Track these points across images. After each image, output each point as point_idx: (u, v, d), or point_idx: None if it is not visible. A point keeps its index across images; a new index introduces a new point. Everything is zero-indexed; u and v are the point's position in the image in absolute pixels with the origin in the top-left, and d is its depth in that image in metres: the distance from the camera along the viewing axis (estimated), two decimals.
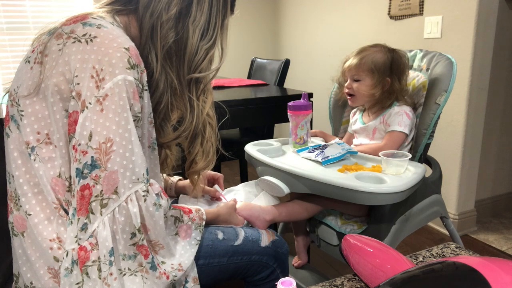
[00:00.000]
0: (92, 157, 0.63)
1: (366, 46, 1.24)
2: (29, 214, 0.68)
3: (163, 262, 0.72)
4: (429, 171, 1.26)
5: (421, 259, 0.70)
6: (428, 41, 2.03)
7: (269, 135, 2.08)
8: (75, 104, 0.64)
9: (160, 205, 0.69)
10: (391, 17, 2.26)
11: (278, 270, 0.91)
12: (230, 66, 3.37)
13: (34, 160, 0.68)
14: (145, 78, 0.69)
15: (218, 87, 1.91)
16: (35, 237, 0.68)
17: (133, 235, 0.66)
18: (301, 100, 1.23)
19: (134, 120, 0.66)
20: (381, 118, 1.24)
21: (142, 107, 0.68)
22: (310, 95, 1.50)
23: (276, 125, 2.19)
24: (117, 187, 0.64)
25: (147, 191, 0.67)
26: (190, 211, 0.81)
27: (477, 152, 2.00)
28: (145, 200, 0.67)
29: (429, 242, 1.98)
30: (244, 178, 2.21)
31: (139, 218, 0.66)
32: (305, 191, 1.03)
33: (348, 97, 1.27)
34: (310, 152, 1.16)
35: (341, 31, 2.72)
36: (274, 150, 1.21)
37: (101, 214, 0.64)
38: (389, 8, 2.25)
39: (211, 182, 1.14)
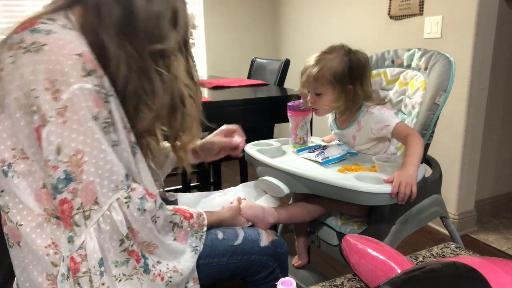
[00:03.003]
0: (64, 171, 0.61)
1: (321, 53, 1.14)
2: (20, 225, 0.67)
3: (158, 262, 0.72)
4: (429, 171, 1.26)
5: (421, 259, 0.70)
6: (428, 41, 2.03)
7: (269, 135, 2.08)
8: (38, 119, 0.62)
9: (144, 209, 0.68)
10: (391, 17, 2.25)
11: (277, 270, 0.91)
12: (230, 66, 3.37)
13: (12, 177, 0.66)
14: (106, 82, 0.66)
15: (218, 87, 1.91)
16: (30, 246, 0.67)
17: (122, 241, 0.66)
18: (301, 100, 1.22)
19: (105, 127, 0.64)
20: (356, 125, 1.17)
21: (111, 111, 0.66)
22: None
23: (276, 125, 2.19)
24: (96, 198, 0.63)
25: (129, 197, 0.66)
26: (191, 216, 0.80)
27: (477, 152, 2.00)
28: (128, 206, 0.66)
29: (429, 242, 1.97)
30: (244, 178, 2.20)
31: (125, 225, 0.65)
32: (305, 191, 1.03)
33: (313, 109, 1.19)
34: (310, 152, 1.16)
35: (341, 31, 2.72)
36: (274, 150, 1.21)
37: (86, 226, 0.63)
38: (389, 8, 2.25)
39: (228, 136, 1.12)
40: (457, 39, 1.88)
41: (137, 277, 0.68)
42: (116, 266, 0.66)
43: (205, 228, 0.82)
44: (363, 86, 1.12)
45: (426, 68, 1.23)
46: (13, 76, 0.63)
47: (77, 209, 0.63)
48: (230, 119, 1.54)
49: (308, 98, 1.16)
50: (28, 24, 0.65)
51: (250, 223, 0.98)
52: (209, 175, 2.15)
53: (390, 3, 2.24)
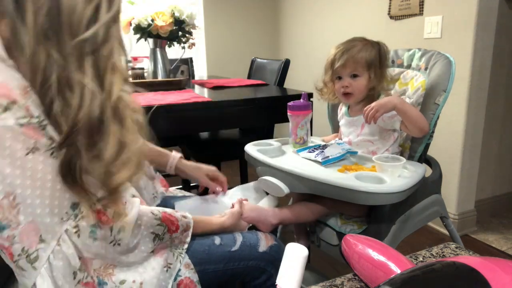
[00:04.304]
0: None
1: (351, 41, 1.26)
2: None
3: (122, 282, 0.68)
4: (429, 171, 1.26)
5: (421, 259, 0.70)
6: (428, 41, 2.03)
7: (269, 135, 2.08)
8: None
9: (95, 238, 0.64)
10: (391, 17, 2.25)
11: (275, 276, 0.90)
12: (230, 66, 3.37)
13: None
14: (35, 110, 0.56)
15: (218, 87, 1.91)
16: None
17: (75, 274, 0.63)
18: (301, 100, 1.22)
19: (52, 152, 0.57)
20: None
21: (53, 138, 0.58)
22: (310, 95, 1.50)
23: (276, 125, 2.19)
24: (41, 235, 0.59)
25: (78, 226, 0.62)
26: (176, 229, 0.76)
27: (477, 152, 2.00)
28: (78, 236, 0.62)
29: (429, 242, 1.97)
30: (244, 178, 2.20)
31: (77, 258, 0.63)
32: (305, 191, 1.03)
33: (345, 95, 1.22)
34: (310, 152, 1.16)
35: (341, 31, 2.72)
36: (274, 150, 1.21)
37: (35, 269, 0.60)
38: (389, 8, 2.25)
39: (211, 178, 1.14)
40: (457, 39, 1.88)
41: None
42: None
43: (185, 246, 0.79)
44: (385, 73, 1.23)
45: (426, 68, 1.24)
46: None
47: (18, 255, 0.59)
48: (230, 119, 1.54)
49: (343, 83, 1.21)
50: None
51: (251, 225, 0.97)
52: None
53: (390, 3, 2.24)
